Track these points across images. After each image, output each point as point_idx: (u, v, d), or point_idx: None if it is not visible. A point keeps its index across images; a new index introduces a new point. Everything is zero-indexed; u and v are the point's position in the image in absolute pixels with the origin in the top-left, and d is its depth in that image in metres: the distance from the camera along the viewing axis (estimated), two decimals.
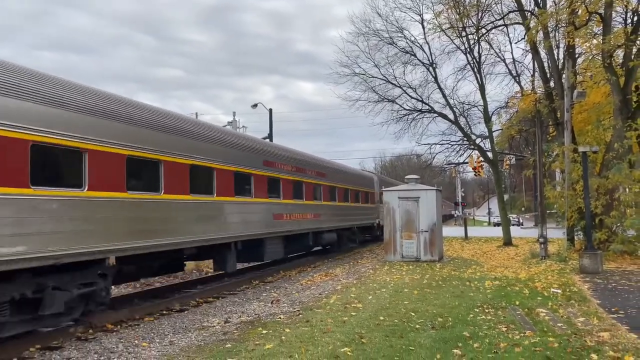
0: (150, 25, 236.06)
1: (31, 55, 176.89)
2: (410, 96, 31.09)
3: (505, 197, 66.07)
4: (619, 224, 18.08)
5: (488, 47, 29.85)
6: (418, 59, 30.32)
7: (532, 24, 20.78)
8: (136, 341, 8.48)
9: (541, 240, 19.70)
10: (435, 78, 30.22)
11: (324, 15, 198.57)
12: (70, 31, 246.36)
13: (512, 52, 41.71)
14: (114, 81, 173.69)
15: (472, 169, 38.26)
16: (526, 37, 21.73)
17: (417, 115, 31.56)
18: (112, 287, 10.87)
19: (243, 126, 40.09)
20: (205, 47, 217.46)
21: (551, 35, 21.90)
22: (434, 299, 10.69)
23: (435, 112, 31.15)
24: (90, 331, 9.28)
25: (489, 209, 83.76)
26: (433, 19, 27.14)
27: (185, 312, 11.12)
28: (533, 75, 28.10)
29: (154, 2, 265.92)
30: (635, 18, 19.42)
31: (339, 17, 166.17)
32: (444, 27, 26.39)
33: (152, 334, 9.00)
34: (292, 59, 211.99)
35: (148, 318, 10.44)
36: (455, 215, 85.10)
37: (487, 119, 29.56)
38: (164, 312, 11.12)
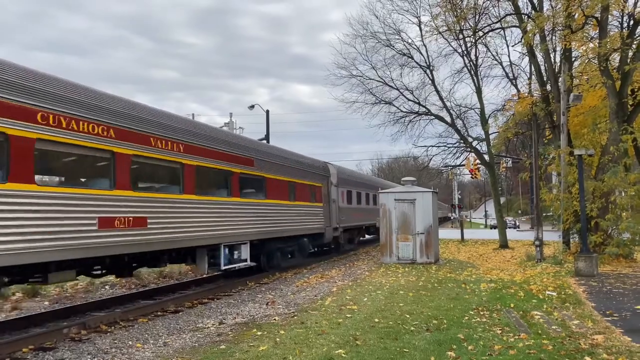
0: (147, 27, 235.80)
1: (27, 56, 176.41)
2: (407, 98, 31.20)
3: (502, 199, 66.08)
4: (614, 227, 18.09)
5: (485, 50, 29.99)
6: (415, 61, 30.43)
7: (528, 27, 20.83)
8: (130, 342, 8.45)
9: (537, 243, 19.72)
10: (432, 80, 30.32)
11: (318, 19, 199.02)
12: (67, 32, 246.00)
13: (509, 55, 41.82)
14: (110, 82, 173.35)
15: (469, 171, 38.39)
16: (523, 40, 21.77)
17: (414, 117, 31.64)
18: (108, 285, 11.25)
19: (240, 127, 40.09)
20: (201, 49, 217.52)
21: (548, 38, 21.95)
22: (429, 301, 10.68)
23: (432, 114, 31.22)
24: (84, 332, 9.26)
25: (486, 211, 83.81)
26: (430, 21, 27.29)
27: (180, 313, 11.10)
28: (530, 78, 28.22)
29: (150, 5, 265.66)
30: (631, 22, 19.48)
31: (334, 21, 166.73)
32: (441, 30, 26.46)
33: (146, 335, 8.97)
34: (287, 62, 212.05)
35: (142, 319, 10.41)
36: (452, 218, 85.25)
37: (484, 122, 29.61)
38: (159, 313, 11.10)
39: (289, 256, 18.86)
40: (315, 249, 22.80)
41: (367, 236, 33.30)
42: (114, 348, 8.10)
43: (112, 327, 9.66)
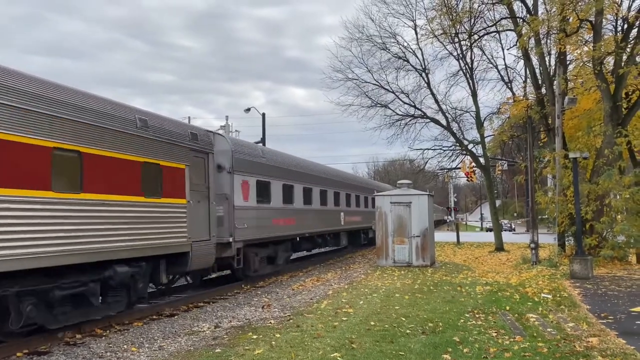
0: (143, 31, 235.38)
1: (25, 60, 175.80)
2: (403, 101, 31.34)
3: (498, 202, 66.32)
4: (609, 230, 18.16)
5: (480, 53, 30.15)
6: (411, 65, 30.57)
7: (523, 31, 20.93)
8: (125, 346, 8.42)
9: (532, 245, 19.78)
10: (428, 84, 30.42)
11: (314, 23, 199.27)
12: (63, 36, 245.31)
13: (504, 59, 41.93)
14: (106, 85, 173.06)
15: (465, 174, 38.48)
16: (518, 44, 21.88)
17: (410, 120, 31.79)
18: None
19: (236, 130, 40.11)
20: (197, 52, 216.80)
21: (543, 42, 22.07)
22: (425, 304, 10.69)
23: (427, 117, 31.34)
24: (79, 336, 9.22)
25: (482, 214, 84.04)
26: (426, 24, 27.37)
27: (175, 316, 11.07)
28: (525, 82, 28.29)
29: (146, 8, 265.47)
30: (625, 26, 19.62)
31: (329, 25, 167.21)
32: (436, 33, 26.62)
33: (142, 339, 8.94)
34: (283, 65, 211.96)
35: (137, 323, 10.38)
36: (448, 221, 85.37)
37: (479, 125, 29.72)
38: (154, 316, 11.07)
39: (95, 303, 9.59)
40: (190, 281, 14.47)
41: (325, 248, 25.47)
42: (108, 352, 8.07)
43: (107, 331, 9.63)
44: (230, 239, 14.13)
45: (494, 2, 24.23)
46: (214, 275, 16.00)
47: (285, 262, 18.65)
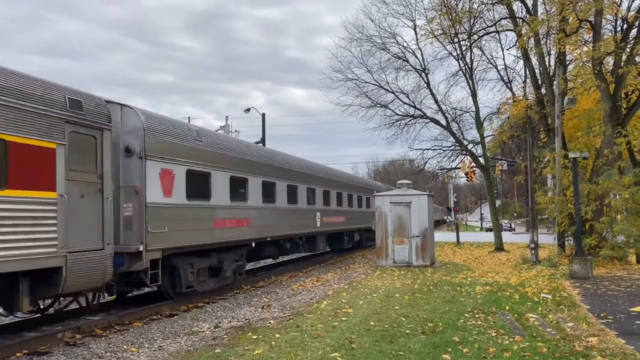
0: (143, 31, 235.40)
1: (24, 60, 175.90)
2: (402, 102, 31.36)
3: (498, 202, 66.38)
4: (609, 230, 18.18)
5: (480, 53, 30.19)
6: (410, 65, 30.59)
7: (523, 31, 20.96)
8: (125, 346, 8.43)
9: (532, 245, 19.79)
10: (428, 84, 30.44)
11: (313, 24, 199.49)
12: (63, 36, 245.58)
13: (504, 59, 41.87)
14: (106, 86, 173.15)
15: (465, 174, 38.48)
16: (518, 44, 21.90)
17: (410, 120, 31.81)
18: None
19: (235, 130, 40.15)
20: (196, 53, 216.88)
21: (542, 42, 22.09)
22: (425, 304, 10.69)
23: (427, 117, 31.37)
24: (79, 336, 9.22)
25: (481, 214, 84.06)
26: (425, 25, 27.39)
27: (175, 317, 11.08)
28: (524, 82, 28.35)
29: (146, 8, 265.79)
30: (625, 26, 19.64)
31: (328, 26, 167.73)
32: (436, 33, 26.62)
33: (142, 339, 8.95)
34: (283, 66, 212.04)
35: (137, 323, 10.38)
36: (448, 221, 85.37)
37: (479, 125, 29.73)
38: (154, 316, 11.07)
39: None
40: (84, 304, 10.15)
41: (296, 255, 22.49)
42: (108, 352, 8.07)
43: (107, 331, 9.63)
44: (141, 248, 10.41)
45: (493, 2, 24.26)
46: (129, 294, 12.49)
47: (237, 273, 15.00)
